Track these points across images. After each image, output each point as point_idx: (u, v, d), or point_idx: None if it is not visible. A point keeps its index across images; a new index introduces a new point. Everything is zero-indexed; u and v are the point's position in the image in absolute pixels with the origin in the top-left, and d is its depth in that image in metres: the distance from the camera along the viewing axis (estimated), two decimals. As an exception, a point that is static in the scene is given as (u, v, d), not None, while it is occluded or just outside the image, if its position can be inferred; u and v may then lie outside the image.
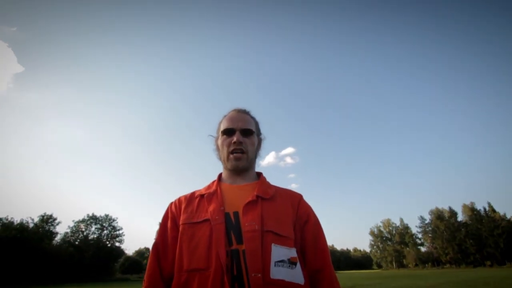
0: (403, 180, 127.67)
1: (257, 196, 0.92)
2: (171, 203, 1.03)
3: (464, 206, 66.13)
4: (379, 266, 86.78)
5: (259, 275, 0.76)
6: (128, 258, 64.65)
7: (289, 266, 0.82)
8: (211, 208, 0.91)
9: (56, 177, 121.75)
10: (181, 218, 0.94)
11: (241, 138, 0.99)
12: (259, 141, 1.11)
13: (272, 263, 0.80)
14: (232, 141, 0.99)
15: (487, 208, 62.01)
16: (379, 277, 27.62)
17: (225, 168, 1.05)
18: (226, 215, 0.89)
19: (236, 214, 0.89)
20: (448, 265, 64.70)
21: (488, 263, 57.20)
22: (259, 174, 1.10)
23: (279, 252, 0.83)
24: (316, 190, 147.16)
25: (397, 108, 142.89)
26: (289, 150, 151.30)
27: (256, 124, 1.11)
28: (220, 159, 1.06)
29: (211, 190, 0.98)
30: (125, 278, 53.14)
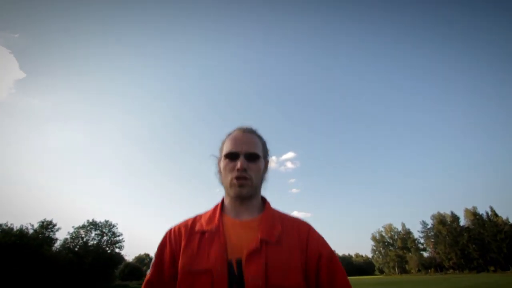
0: (405, 185, 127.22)
1: (261, 241, 0.82)
2: (169, 232, 0.94)
3: (466, 210, 65.72)
4: (381, 272, 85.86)
5: None
6: (128, 264, 64.15)
7: None
8: (212, 253, 0.82)
9: (57, 183, 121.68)
10: (180, 260, 0.84)
11: (245, 163, 0.89)
12: (266, 163, 1.00)
13: None
14: (236, 167, 0.89)
15: (489, 213, 61.51)
16: (382, 284, 27.34)
17: (228, 194, 0.95)
18: (229, 264, 0.80)
19: (239, 263, 0.80)
20: (451, 270, 63.95)
21: (492, 268, 56.55)
22: (264, 200, 1.00)
23: None
24: (317, 195, 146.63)
25: (398, 112, 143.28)
26: (290, 155, 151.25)
27: (263, 145, 1.00)
28: (222, 183, 0.96)
29: (213, 226, 0.88)
30: (125, 285, 52.63)
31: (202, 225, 0.90)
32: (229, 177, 0.91)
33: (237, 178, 0.88)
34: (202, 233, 0.87)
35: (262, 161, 0.96)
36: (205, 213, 0.97)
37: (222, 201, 0.99)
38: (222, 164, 0.95)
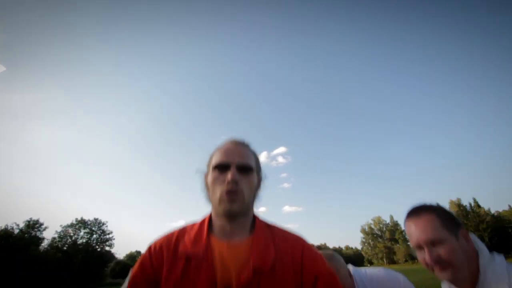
0: (393, 178, 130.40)
1: (254, 271, 0.73)
2: (149, 250, 0.84)
3: (451, 202, 68.01)
4: (370, 263, 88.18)
5: None
6: (119, 262, 63.47)
7: None
8: (199, 285, 0.72)
9: (42, 181, 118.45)
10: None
11: (237, 175, 0.80)
12: (259, 180, 0.91)
13: None
14: (226, 180, 0.79)
15: (472, 204, 63.99)
16: (371, 274, 28.05)
17: (216, 213, 0.85)
18: None
19: None
20: (436, 260, 66.26)
21: (474, 257, 58.90)
22: (255, 218, 0.90)
23: None
24: (308, 189, 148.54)
25: (386, 106, 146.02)
26: (281, 149, 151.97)
27: (257, 159, 0.92)
28: (210, 199, 0.87)
29: (199, 250, 0.78)
30: (116, 283, 52.23)
31: (186, 246, 0.80)
32: (218, 191, 0.81)
33: (228, 192, 0.79)
34: (187, 258, 0.77)
35: (255, 175, 0.87)
36: (190, 229, 0.86)
37: (210, 218, 0.88)
38: (210, 177, 0.85)
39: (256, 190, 0.89)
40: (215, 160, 0.86)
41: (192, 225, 0.88)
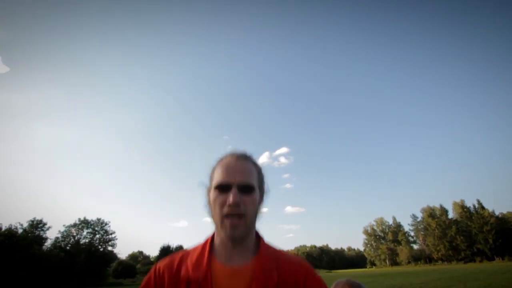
0: (396, 179, 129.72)
1: None
2: (153, 273, 0.81)
3: (455, 203, 67.51)
4: (373, 265, 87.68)
5: None
6: (121, 262, 63.76)
7: None
8: None
9: (45, 181, 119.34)
10: None
11: (238, 197, 0.75)
12: (262, 194, 0.86)
13: None
14: (228, 203, 0.74)
15: (476, 205, 63.39)
16: (373, 276, 27.93)
17: (218, 234, 0.81)
18: None
19: None
20: (440, 262, 65.76)
21: (478, 259, 58.36)
22: (258, 237, 0.87)
23: None
24: (310, 189, 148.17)
25: (388, 108, 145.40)
26: (283, 150, 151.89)
27: (259, 173, 0.86)
28: (212, 219, 0.81)
29: (200, 274, 0.75)
30: (118, 283, 52.47)
31: (187, 270, 0.77)
32: (219, 214, 0.76)
33: (229, 215, 0.75)
34: (188, 283, 0.75)
35: (257, 192, 0.81)
36: (193, 252, 0.82)
37: (212, 238, 0.85)
38: (212, 195, 0.80)
39: (258, 206, 0.83)
40: (216, 179, 0.80)
41: (195, 248, 0.84)
